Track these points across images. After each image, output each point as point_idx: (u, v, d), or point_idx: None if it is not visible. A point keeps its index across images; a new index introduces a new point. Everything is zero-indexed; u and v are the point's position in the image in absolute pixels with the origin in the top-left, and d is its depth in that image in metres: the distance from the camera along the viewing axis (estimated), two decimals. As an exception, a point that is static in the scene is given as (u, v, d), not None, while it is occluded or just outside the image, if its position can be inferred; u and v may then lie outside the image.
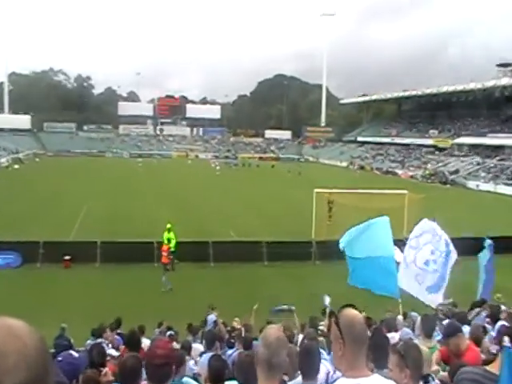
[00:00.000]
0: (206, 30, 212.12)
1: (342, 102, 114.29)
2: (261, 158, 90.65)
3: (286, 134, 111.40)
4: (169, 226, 16.54)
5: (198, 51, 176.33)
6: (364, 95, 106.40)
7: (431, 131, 76.39)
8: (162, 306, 12.90)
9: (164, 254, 14.98)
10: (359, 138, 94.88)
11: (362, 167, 74.10)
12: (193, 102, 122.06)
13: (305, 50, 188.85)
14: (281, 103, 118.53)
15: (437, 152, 68.99)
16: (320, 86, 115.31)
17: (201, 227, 22.74)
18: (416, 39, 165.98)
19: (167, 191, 36.79)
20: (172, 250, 15.84)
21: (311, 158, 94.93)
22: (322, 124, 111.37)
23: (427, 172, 59.85)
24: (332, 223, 23.76)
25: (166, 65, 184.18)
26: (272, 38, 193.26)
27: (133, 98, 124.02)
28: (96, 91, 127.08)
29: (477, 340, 4.81)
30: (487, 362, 2.73)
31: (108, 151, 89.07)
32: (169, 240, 15.78)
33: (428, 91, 78.41)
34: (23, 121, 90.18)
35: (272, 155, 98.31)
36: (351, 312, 2.02)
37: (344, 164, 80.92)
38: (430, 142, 72.98)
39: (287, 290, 14.15)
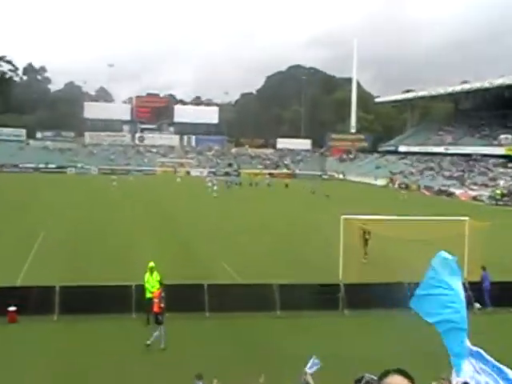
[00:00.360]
0: (199, 9, 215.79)
1: (377, 100, 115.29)
2: (271, 175, 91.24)
3: (305, 144, 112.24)
4: (151, 264, 16.55)
5: (189, 37, 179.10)
6: (408, 91, 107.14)
7: (502, 136, 75.97)
8: (141, 371, 12.83)
9: (155, 300, 14.92)
10: (401, 148, 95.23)
11: (405, 186, 74.06)
12: (183, 103, 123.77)
13: (328, 33, 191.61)
14: (297, 103, 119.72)
15: (511, 164, 69.00)
16: (349, 80, 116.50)
17: (193, 266, 22.77)
18: (475, 14, 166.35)
19: (149, 219, 36.99)
20: (152, 296, 15.74)
21: (337, 175, 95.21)
22: (352, 130, 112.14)
23: (497, 191, 59.58)
24: (368, 261, 23.75)
25: (147, 54, 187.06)
26: (284, 19, 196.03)
27: (103, 96, 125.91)
28: (54, 87, 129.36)
29: None
30: None
31: (70, 166, 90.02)
32: (160, 283, 15.76)
33: (498, 82, 77.70)
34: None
35: (286, 171, 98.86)
36: (395, 380, 1.99)
37: (381, 182, 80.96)
38: (500, 150, 72.95)
39: (307, 349, 13.96)
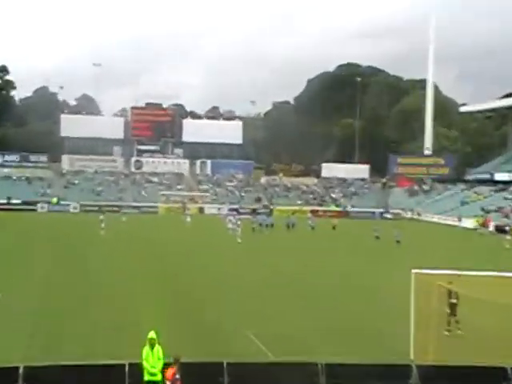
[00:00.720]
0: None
1: (463, 109, 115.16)
2: (315, 213, 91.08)
3: (361, 171, 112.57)
4: (152, 335, 16.58)
5: (200, 27, 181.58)
6: (509, 95, 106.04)
7: None
8: None
9: (168, 383, 14.92)
10: (499, 176, 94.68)
11: (509, 229, 71.90)
12: (194, 115, 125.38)
13: (391, 17, 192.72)
14: (350, 115, 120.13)
15: None
16: (422, 83, 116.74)
17: (208, 337, 22.84)
18: None
19: (148, 273, 37.20)
20: (152, 379, 15.77)
21: (404, 213, 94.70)
22: (427, 152, 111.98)
23: None
24: (452, 334, 23.46)
25: (145, 51, 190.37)
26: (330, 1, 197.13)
27: (87, 106, 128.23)
28: (20, 94, 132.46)
29: None
30: None
31: (42, 202, 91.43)
32: (176, 360, 15.47)
33: None
34: None
35: (335, 208, 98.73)
36: None
37: (468, 223, 80.00)
38: None
39: None
